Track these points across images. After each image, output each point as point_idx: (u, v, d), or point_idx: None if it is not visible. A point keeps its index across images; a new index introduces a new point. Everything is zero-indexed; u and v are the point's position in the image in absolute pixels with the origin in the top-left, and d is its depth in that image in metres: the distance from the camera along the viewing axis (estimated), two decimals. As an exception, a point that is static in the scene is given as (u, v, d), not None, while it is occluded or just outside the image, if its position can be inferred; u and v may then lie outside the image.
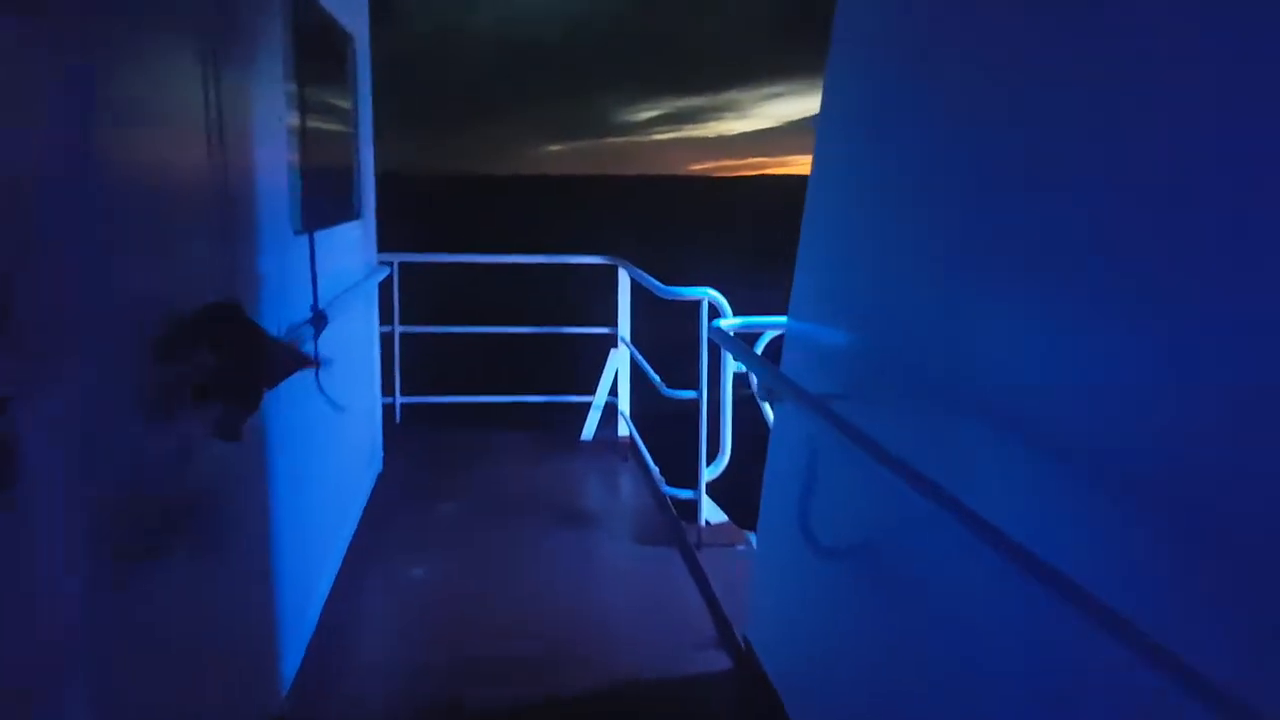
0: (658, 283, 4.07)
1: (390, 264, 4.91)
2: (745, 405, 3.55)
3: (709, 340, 3.43)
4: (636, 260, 4.85)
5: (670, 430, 4.64)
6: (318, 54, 3.11)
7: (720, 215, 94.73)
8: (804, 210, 2.60)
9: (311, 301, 2.72)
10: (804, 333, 2.55)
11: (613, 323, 5.14)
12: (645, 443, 4.73)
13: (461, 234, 46.13)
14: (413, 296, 5.26)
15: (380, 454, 4.58)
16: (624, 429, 5.21)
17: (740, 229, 70.21)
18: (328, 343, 2.82)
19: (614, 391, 5.16)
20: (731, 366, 3.66)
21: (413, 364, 5.32)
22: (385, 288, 4.70)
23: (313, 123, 2.99)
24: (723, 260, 39.82)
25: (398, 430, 5.19)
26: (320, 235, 2.87)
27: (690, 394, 3.81)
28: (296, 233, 2.61)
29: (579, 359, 5.52)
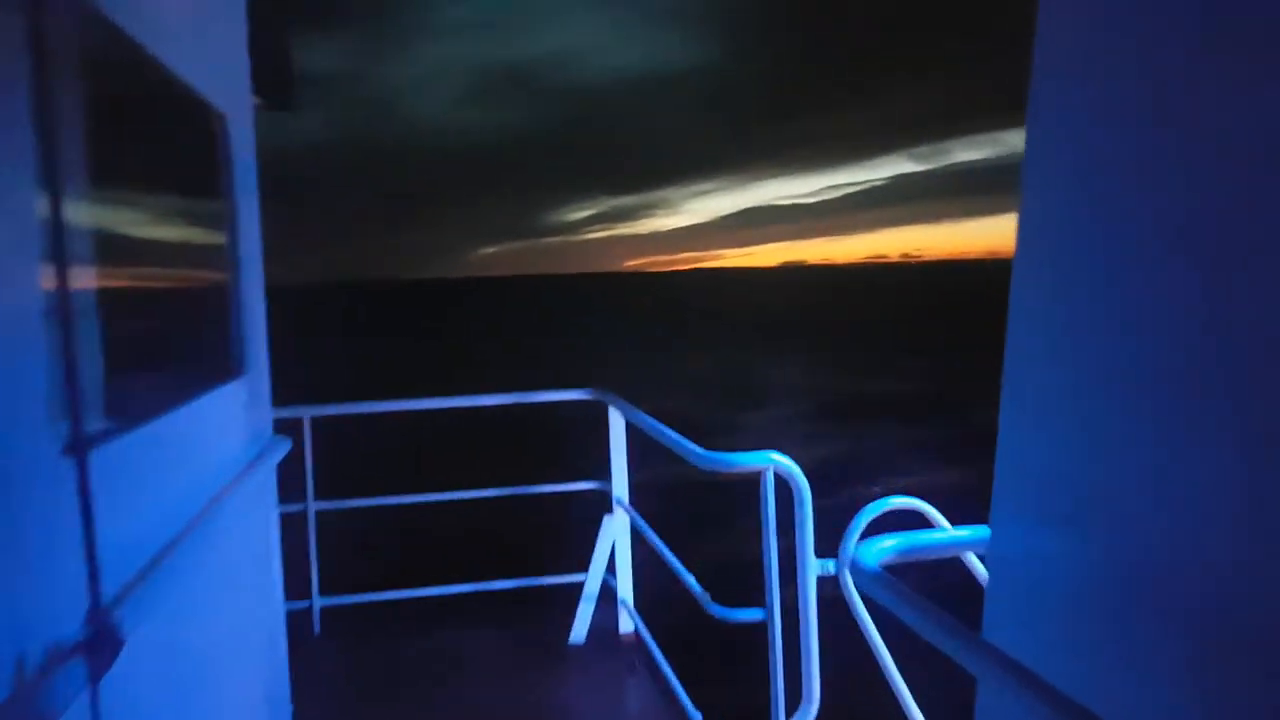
0: (682, 439, 2.82)
1: (301, 417, 3.69)
2: (833, 608, 2.35)
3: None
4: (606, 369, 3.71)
5: (688, 614, 3.38)
6: (147, 130, 1.96)
7: (659, 309, 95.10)
8: (1010, 316, 1.47)
9: (87, 605, 1.36)
10: (1038, 547, 1.37)
11: (603, 477, 3.91)
12: (658, 640, 3.46)
13: (400, 357, 44.62)
14: (335, 458, 3.98)
15: (286, 693, 3.19)
16: (627, 622, 3.91)
17: (678, 322, 70.23)
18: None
19: (611, 568, 3.87)
20: (813, 566, 2.44)
21: (338, 551, 3.99)
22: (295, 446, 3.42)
23: (130, 230, 1.78)
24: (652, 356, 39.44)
25: (316, 647, 3.80)
26: (137, 440, 1.62)
27: (754, 614, 2.55)
28: (65, 451, 1.32)
29: (563, 528, 4.28)
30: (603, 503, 3.87)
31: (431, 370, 35.05)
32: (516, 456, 13.31)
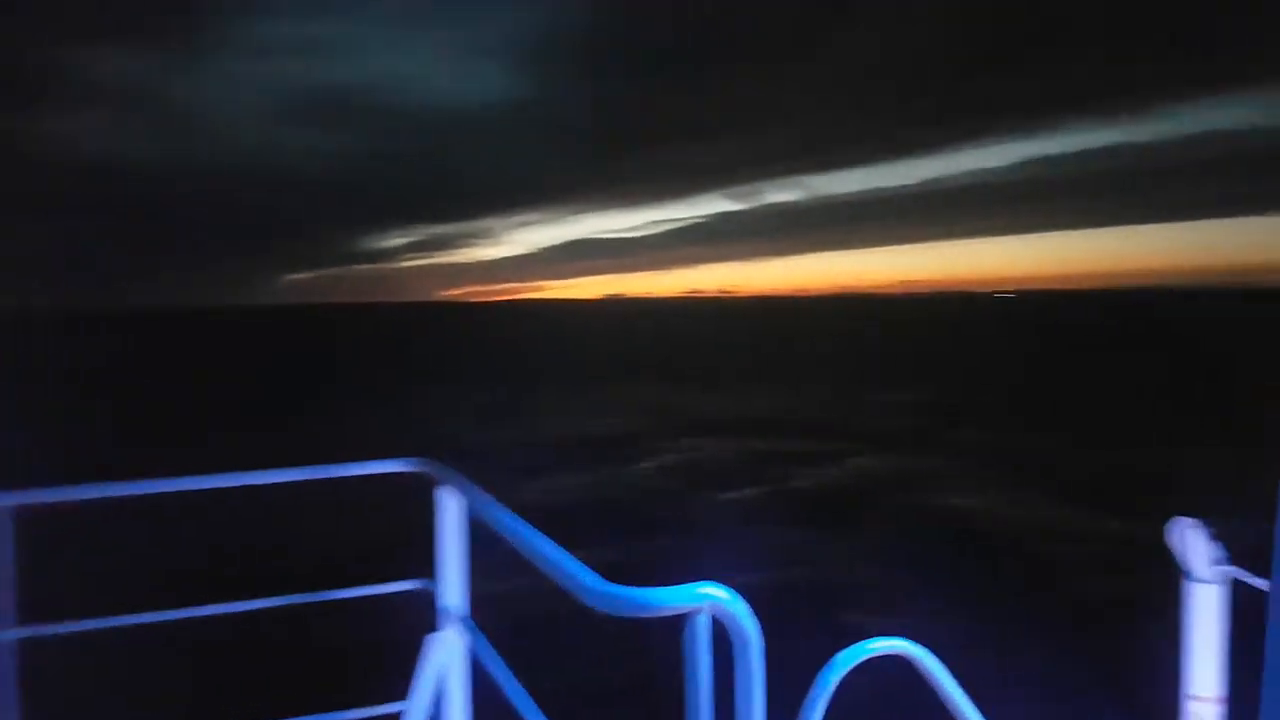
0: (558, 555, 1.84)
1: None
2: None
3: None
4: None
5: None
6: None
7: (471, 342, 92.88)
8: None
9: None
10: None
11: (426, 574, 2.93)
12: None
13: (170, 406, 36.46)
14: (55, 563, 2.80)
15: None
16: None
17: (488, 353, 68.69)
18: None
19: (437, 707, 2.86)
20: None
21: (59, 684, 2.79)
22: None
23: None
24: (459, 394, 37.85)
25: None
26: None
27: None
28: None
29: (376, 647, 3.19)
30: (425, 615, 2.87)
31: (209, 424, 28.72)
32: (318, 548, 11.50)
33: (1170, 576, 2.81)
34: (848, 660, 1.83)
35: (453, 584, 2.82)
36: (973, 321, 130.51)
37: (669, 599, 1.46)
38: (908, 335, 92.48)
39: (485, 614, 2.75)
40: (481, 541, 2.66)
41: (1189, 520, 2.75)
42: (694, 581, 1.44)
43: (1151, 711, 3.01)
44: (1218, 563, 2.69)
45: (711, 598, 1.46)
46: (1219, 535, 2.71)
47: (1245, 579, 2.61)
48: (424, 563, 2.87)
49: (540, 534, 2.01)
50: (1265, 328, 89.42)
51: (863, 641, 1.87)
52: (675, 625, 1.52)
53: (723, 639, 1.50)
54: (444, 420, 28.67)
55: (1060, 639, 9.03)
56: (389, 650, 2.91)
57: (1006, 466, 21.22)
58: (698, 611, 1.47)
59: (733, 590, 1.51)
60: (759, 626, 1.50)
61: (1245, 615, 2.65)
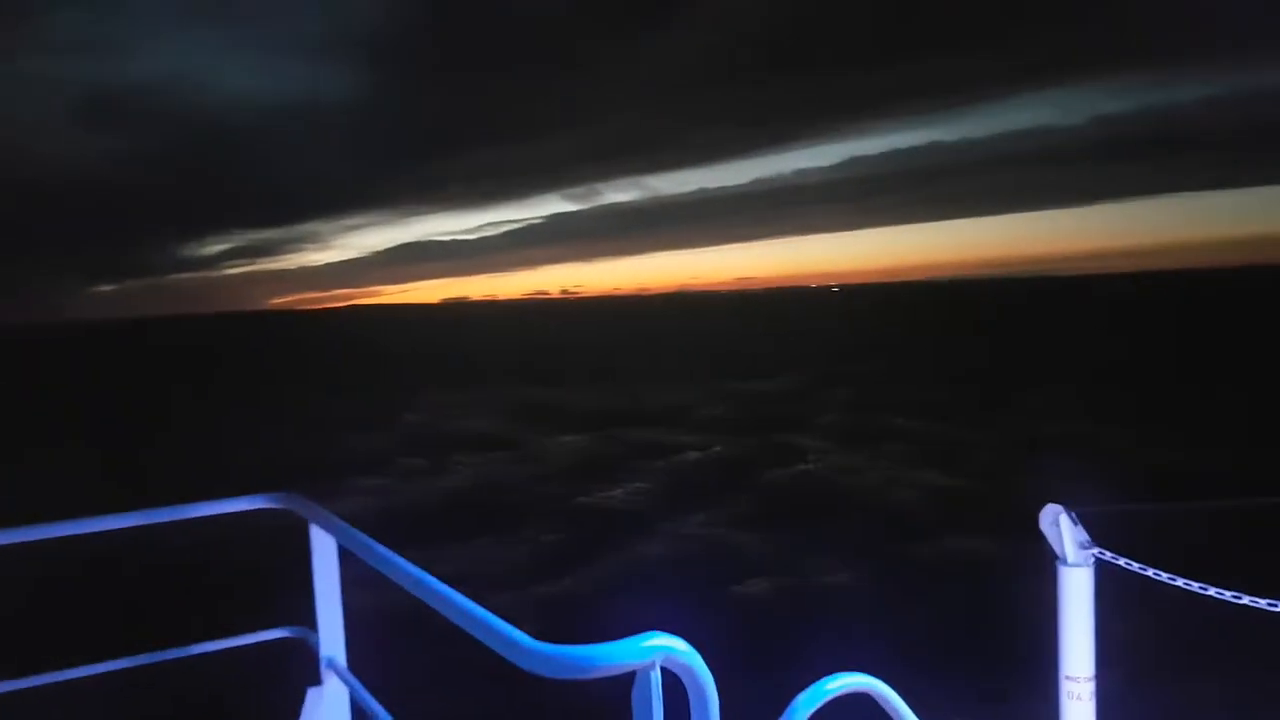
0: (464, 604, 1.65)
1: None
2: None
3: None
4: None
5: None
6: None
7: (305, 352, 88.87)
8: None
9: None
10: None
11: (301, 620, 2.68)
12: None
13: None
14: None
15: None
16: None
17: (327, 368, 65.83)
18: None
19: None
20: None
21: None
22: None
23: None
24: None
25: None
26: None
27: None
28: None
29: (242, 701, 2.89)
30: (305, 665, 2.61)
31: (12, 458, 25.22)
32: (176, 597, 10.22)
33: (1043, 560, 2.94)
34: (809, 703, 1.77)
35: (331, 631, 2.59)
36: (809, 314, 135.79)
37: (614, 656, 1.33)
38: (751, 329, 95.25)
39: (368, 662, 2.55)
40: (362, 584, 2.45)
41: (1058, 506, 2.86)
42: (637, 634, 1.33)
43: (1032, 692, 3.12)
44: (1085, 546, 2.81)
45: (663, 649, 1.35)
46: (1085, 519, 2.83)
47: (1111, 560, 2.74)
48: (298, 609, 2.64)
49: (430, 576, 1.85)
50: (1068, 311, 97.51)
51: (822, 680, 1.81)
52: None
53: (674, 691, 1.40)
54: (303, 436, 27.20)
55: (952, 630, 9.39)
56: (266, 707, 2.64)
57: (873, 441, 22.29)
58: (649, 667, 1.35)
59: (684, 640, 1.41)
60: (713, 677, 1.40)
61: (1111, 595, 2.80)
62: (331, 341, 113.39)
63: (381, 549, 2.09)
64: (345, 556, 2.46)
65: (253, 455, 23.37)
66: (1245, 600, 2.42)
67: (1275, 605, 2.36)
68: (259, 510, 2.73)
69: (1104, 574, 2.74)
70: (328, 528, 2.47)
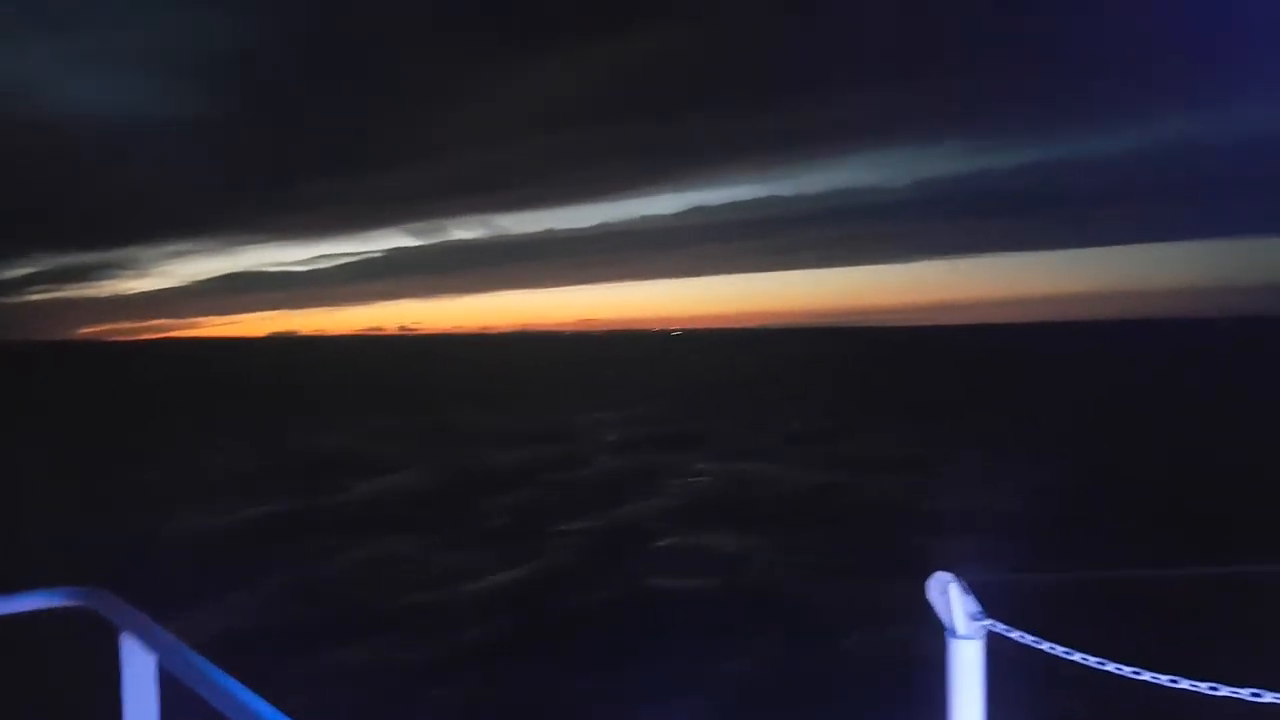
0: None
1: None
2: None
3: None
4: None
5: None
6: None
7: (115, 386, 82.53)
8: None
9: None
10: None
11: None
12: None
13: None
14: None
15: None
16: None
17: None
18: None
19: None
20: None
21: None
22: None
23: None
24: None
25: None
26: None
27: None
28: None
29: None
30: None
31: None
32: None
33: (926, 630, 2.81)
34: None
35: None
36: (648, 357, 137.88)
37: None
38: (592, 369, 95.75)
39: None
40: (181, 709, 1.97)
41: (947, 575, 2.74)
42: None
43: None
44: (976, 618, 2.69)
45: None
46: (974, 589, 2.72)
47: (1001, 631, 2.64)
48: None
49: (267, 705, 1.47)
50: (897, 355, 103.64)
51: None
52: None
53: None
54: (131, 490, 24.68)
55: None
56: None
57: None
58: None
59: None
60: None
61: (1001, 667, 2.70)
62: (136, 375, 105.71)
63: (216, 673, 1.68)
64: (164, 675, 1.97)
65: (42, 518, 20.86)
66: (1145, 676, 2.34)
67: (1176, 681, 2.29)
68: (51, 610, 2.20)
69: (992, 643, 2.64)
70: (145, 638, 1.97)
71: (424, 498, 22.52)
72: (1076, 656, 2.48)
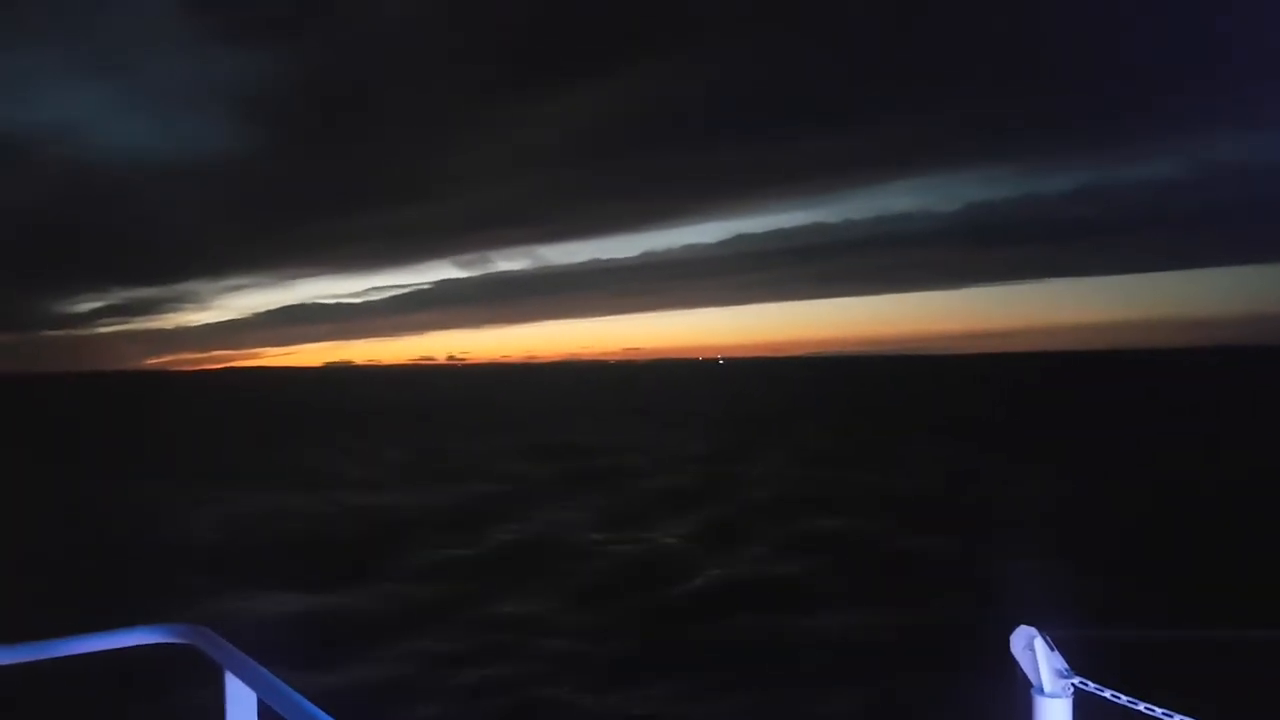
0: None
1: None
2: None
3: None
4: None
5: None
6: None
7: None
8: None
9: None
10: None
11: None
12: None
13: None
14: None
15: None
16: None
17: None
18: None
19: None
20: None
21: None
22: None
23: None
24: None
25: None
26: None
27: None
28: None
29: None
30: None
31: None
32: None
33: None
34: None
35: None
36: (697, 383, 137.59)
37: None
38: (643, 397, 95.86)
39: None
40: None
41: (1032, 630, 2.67)
42: None
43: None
44: (1063, 675, 2.62)
45: None
46: (1060, 644, 2.65)
47: (1092, 690, 2.57)
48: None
49: None
50: (953, 384, 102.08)
51: None
52: None
53: None
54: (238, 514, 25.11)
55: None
56: None
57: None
58: None
59: None
60: None
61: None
62: (214, 402, 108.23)
63: (315, 710, 1.72)
64: (265, 711, 2.04)
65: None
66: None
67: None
68: (156, 646, 2.27)
69: (1081, 701, 2.57)
70: (245, 676, 2.04)
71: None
72: (1176, 718, 2.39)
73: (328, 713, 1.73)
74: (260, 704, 2.08)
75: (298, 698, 1.80)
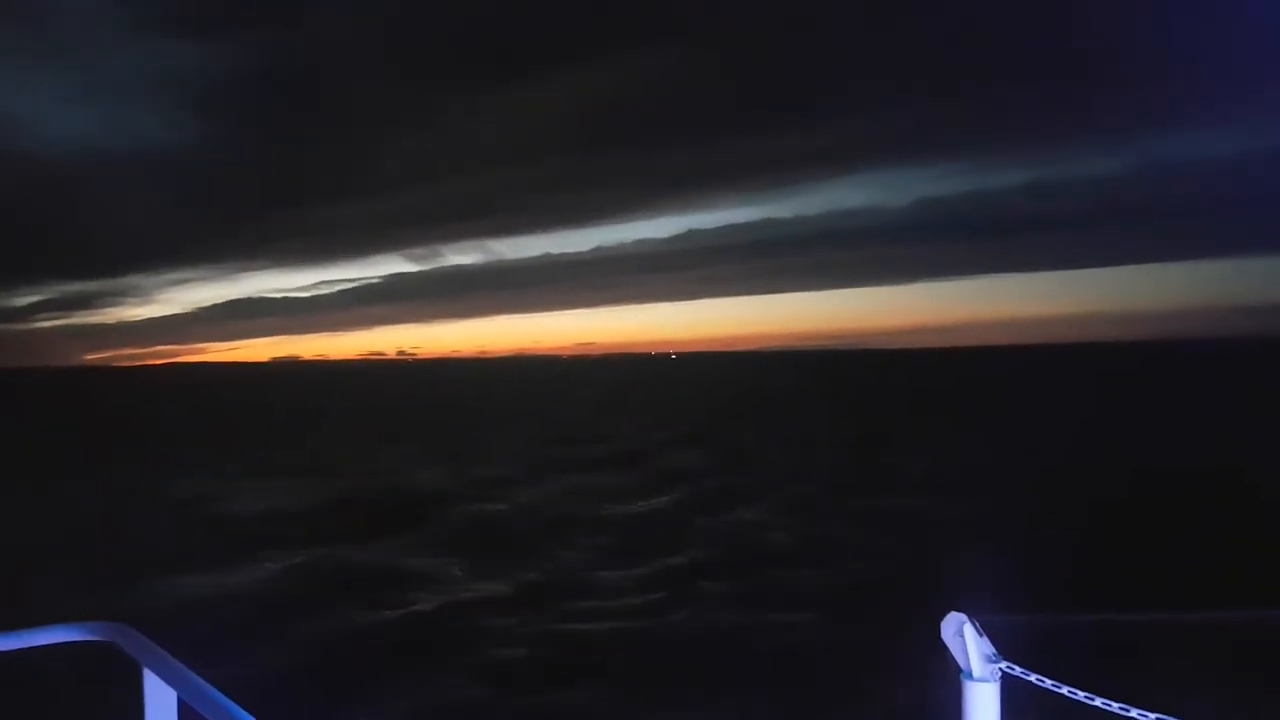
0: None
1: None
2: None
3: None
4: None
5: None
6: None
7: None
8: None
9: None
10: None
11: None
12: None
13: None
14: None
15: None
16: None
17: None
18: None
19: None
20: None
21: None
22: None
23: None
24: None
25: None
26: None
27: None
28: None
29: None
30: None
31: None
32: None
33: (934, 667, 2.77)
34: None
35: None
36: (648, 379, 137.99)
37: None
38: (591, 393, 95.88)
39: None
40: None
41: (961, 615, 2.70)
42: None
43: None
44: (991, 660, 2.65)
45: None
46: (989, 630, 2.68)
47: (1018, 674, 2.60)
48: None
49: None
50: (893, 379, 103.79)
51: None
52: None
53: None
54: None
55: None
56: None
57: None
58: None
59: None
60: None
61: (1017, 711, 2.65)
62: (151, 399, 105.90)
63: (235, 709, 1.69)
64: (185, 710, 1.99)
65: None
66: (1167, 720, 2.30)
67: (1197, 728, 2.25)
68: (74, 644, 2.22)
69: (1008, 686, 2.61)
70: (165, 674, 1.99)
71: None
72: (1098, 701, 2.43)
73: (248, 711, 1.70)
74: (180, 702, 2.04)
75: (218, 695, 1.76)
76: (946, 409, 60.92)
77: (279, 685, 10.45)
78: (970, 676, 2.59)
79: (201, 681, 1.92)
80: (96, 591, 14.94)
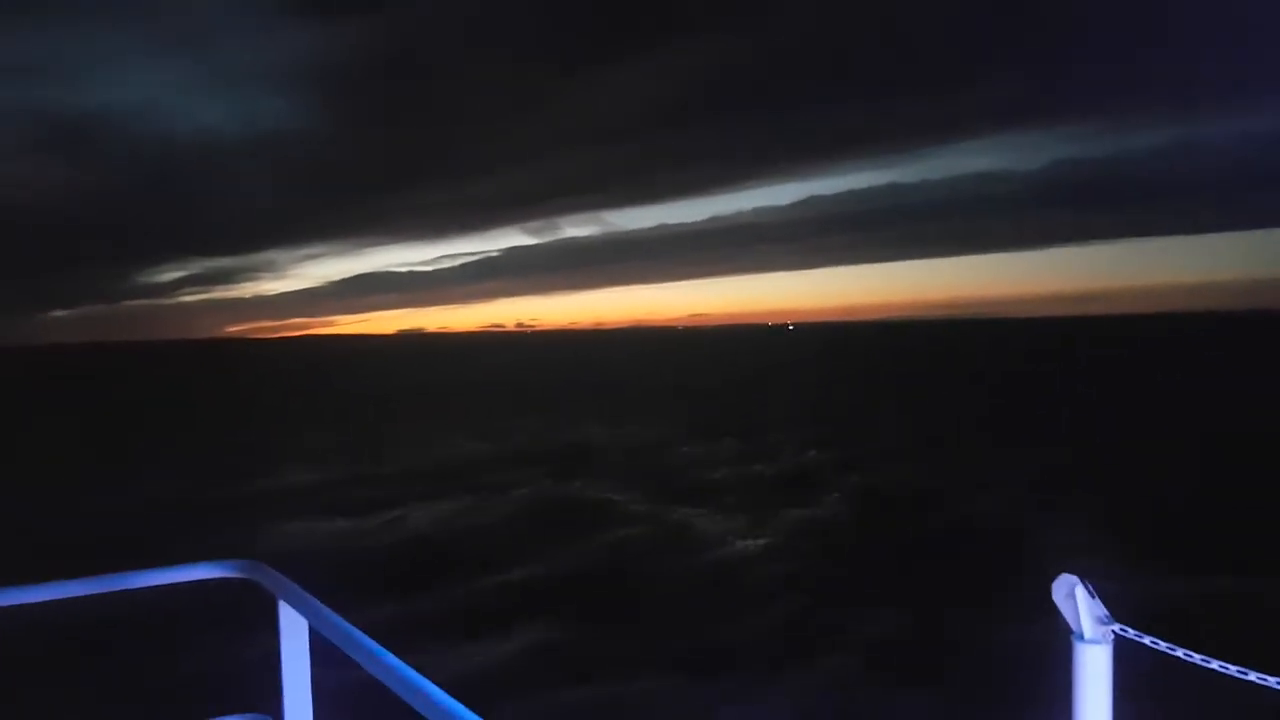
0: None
1: None
2: None
3: None
4: None
5: None
6: None
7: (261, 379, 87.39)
8: None
9: None
10: None
11: (265, 706, 2.43)
12: None
13: None
14: None
15: None
16: None
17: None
18: None
19: None
20: None
21: None
22: None
23: None
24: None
25: None
26: None
27: None
28: None
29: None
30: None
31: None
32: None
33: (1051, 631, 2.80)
34: None
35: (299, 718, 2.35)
36: (765, 350, 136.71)
37: None
38: (720, 365, 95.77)
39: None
40: (332, 665, 2.23)
41: (1073, 578, 2.72)
42: None
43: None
44: (1103, 621, 2.66)
45: None
46: (1101, 592, 2.69)
47: (1130, 636, 2.60)
48: (259, 691, 2.40)
49: (412, 670, 1.66)
50: (1025, 350, 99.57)
51: None
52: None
53: None
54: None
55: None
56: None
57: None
58: None
59: None
60: None
61: (1129, 672, 2.65)
62: (293, 369, 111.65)
63: (359, 635, 1.90)
64: (315, 637, 2.24)
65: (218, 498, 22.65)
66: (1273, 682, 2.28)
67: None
68: (218, 580, 2.50)
69: (1120, 648, 2.61)
70: (298, 605, 2.24)
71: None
72: (1215, 664, 2.41)
73: (373, 638, 1.89)
74: (311, 630, 2.26)
75: (346, 625, 1.98)
76: (1079, 380, 58.15)
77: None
78: (1082, 638, 2.61)
79: (331, 612, 2.10)
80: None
